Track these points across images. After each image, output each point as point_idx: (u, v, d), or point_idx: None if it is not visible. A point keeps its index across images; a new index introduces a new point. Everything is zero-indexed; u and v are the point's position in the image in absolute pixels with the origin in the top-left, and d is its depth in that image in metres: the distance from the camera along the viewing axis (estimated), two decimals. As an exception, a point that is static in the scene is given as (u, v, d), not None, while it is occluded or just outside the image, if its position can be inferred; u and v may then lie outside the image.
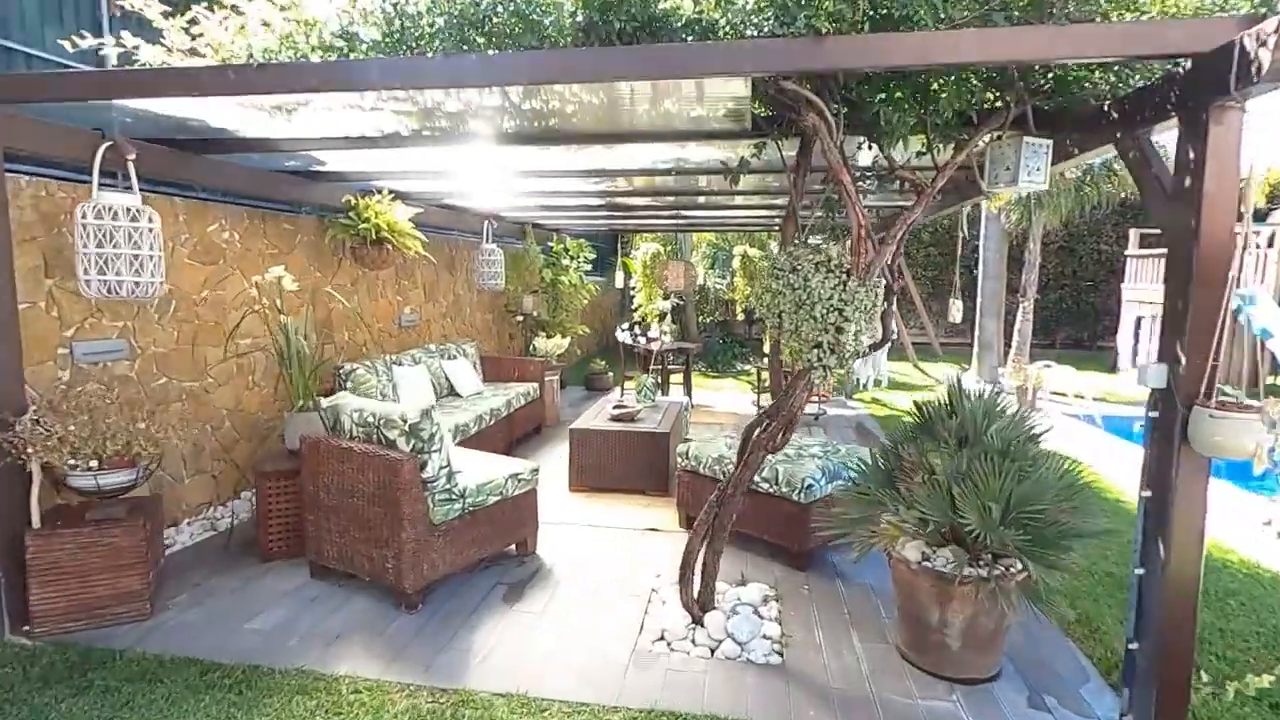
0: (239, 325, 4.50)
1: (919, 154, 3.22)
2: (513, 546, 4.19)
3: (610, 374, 10.59)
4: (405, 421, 3.42)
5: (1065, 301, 16.12)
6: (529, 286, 9.44)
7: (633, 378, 8.67)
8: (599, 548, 4.43)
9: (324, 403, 3.78)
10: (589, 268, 9.98)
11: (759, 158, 3.39)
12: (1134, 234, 13.01)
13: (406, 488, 3.36)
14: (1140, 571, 2.52)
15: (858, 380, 8.77)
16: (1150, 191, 2.60)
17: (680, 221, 8.85)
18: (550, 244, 9.75)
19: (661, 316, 10.62)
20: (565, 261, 9.50)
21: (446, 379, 6.50)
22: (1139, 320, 12.53)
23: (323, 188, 5.48)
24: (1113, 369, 13.41)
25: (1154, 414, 2.50)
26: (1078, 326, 16.18)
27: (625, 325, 7.04)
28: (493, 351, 9.36)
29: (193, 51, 3.13)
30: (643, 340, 6.52)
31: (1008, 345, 11.96)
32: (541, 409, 7.56)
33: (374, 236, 5.47)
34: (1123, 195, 11.89)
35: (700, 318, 14.13)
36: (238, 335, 4.86)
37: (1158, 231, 13.43)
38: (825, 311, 2.84)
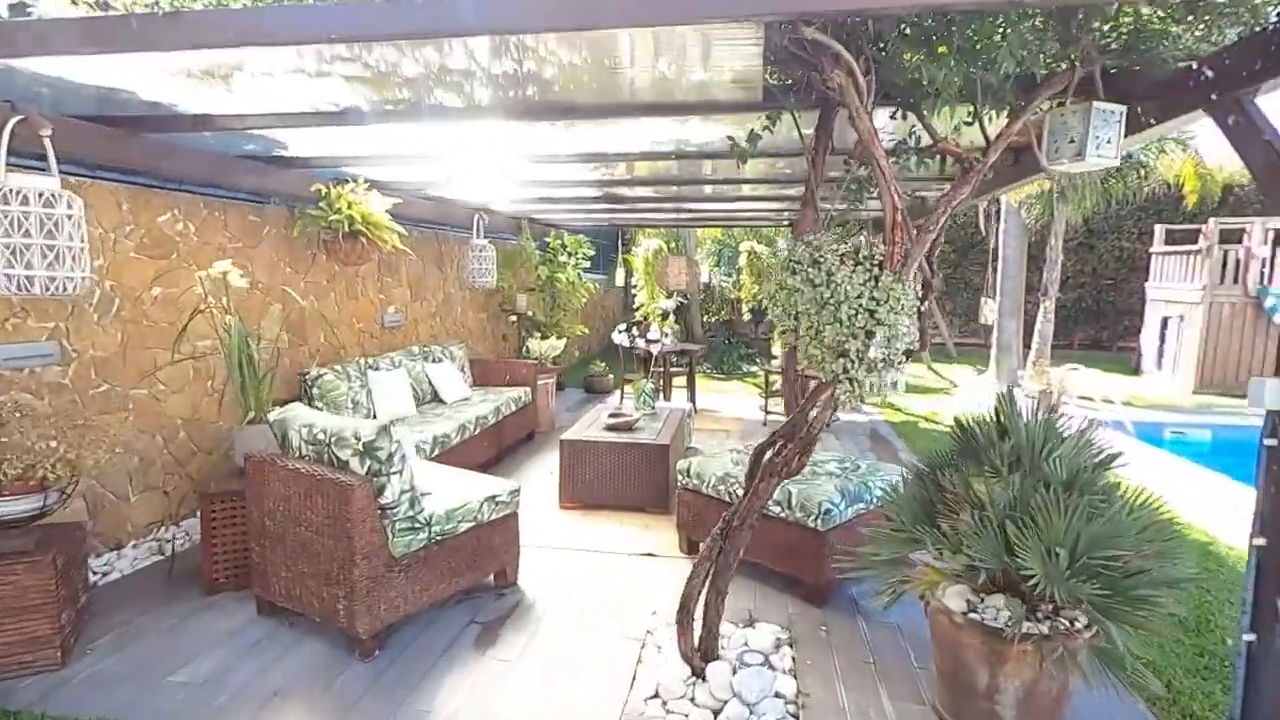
0: (187, 326, 4.03)
1: (964, 124, 2.72)
2: (490, 577, 3.71)
3: (610, 376, 10.11)
4: (359, 439, 2.94)
5: (1085, 300, 15.54)
6: (524, 285, 8.96)
7: (632, 381, 8.18)
8: (589, 575, 3.95)
9: (271, 415, 3.30)
10: (588, 265, 9.51)
11: (771, 130, 2.89)
12: (1160, 230, 12.44)
13: (360, 517, 2.88)
14: (1250, 638, 2.02)
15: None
16: (1263, 165, 2.10)
17: (683, 215, 8.35)
18: (547, 240, 9.27)
19: (664, 316, 10.13)
20: (562, 258, 9.02)
21: (430, 384, 6.02)
22: (1165, 321, 11.96)
23: (290, 176, 5.01)
24: (1136, 370, 12.86)
25: (1271, 441, 2.00)
26: (1097, 326, 15.60)
27: (622, 326, 6.53)
28: (486, 353, 8.88)
29: (104, 4, 2.65)
30: (641, 342, 6.03)
31: (1026, 346, 11.42)
32: (534, 414, 7.09)
33: (347, 229, 5.00)
34: (1148, 189, 11.36)
35: (705, 317, 13.63)
36: (194, 337, 4.39)
37: (1185, 228, 12.92)
38: (853, 312, 2.35)
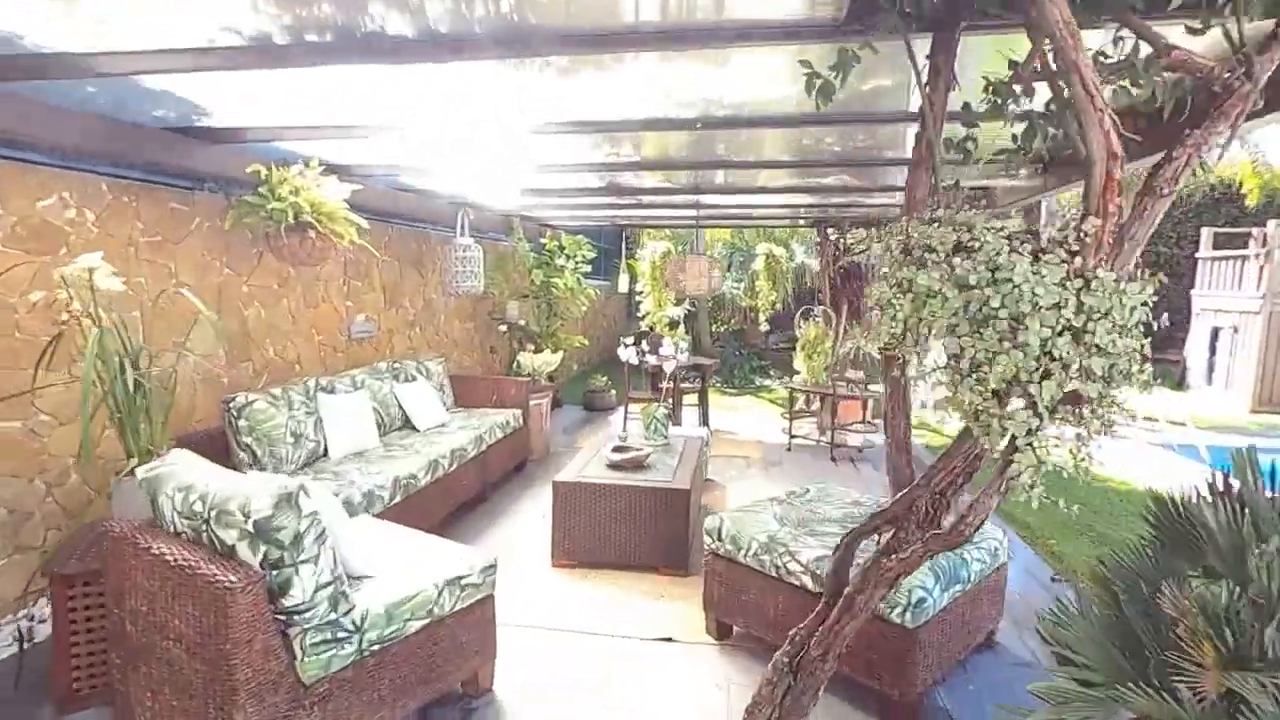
0: (56, 340, 3.05)
1: (1191, 30, 1.76)
2: (457, 684, 2.74)
3: (613, 391, 9.15)
4: (248, 515, 1.97)
5: None
6: (516, 291, 8.01)
7: (638, 400, 7.22)
8: (588, 671, 2.97)
9: (139, 472, 2.33)
10: (588, 269, 8.56)
11: (872, 47, 1.94)
12: (1206, 234, 11.52)
13: (245, 634, 1.91)
14: None
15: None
16: None
17: (700, 212, 7.41)
18: (542, 241, 8.33)
19: (673, 325, 9.19)
20: (560, 261, 8.06)
21: (400, 408, 5.06)
22: (1216, 332, 11.01)
23: (224, 154, 4.07)
24: (1180, 385, 11.90)
25: None
26: None
27: (629, 339, 5.57)
28: (473, 367, 7.92)
29: None
30: (652, 359, 5.06)
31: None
32: (526, 440, 6.12)
33: (292, 221, 4.05)
34: (1188, 190, 10.45)
35: (714, 326, 12.69)
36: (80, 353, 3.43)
37: (1234, 230, 12.00)
38: (1051, 332, 1.39)
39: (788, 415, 7.41)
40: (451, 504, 4.61)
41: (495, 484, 5.54)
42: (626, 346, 5.13)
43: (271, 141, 4.00)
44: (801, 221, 8.74)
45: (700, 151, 4.37)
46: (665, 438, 4.85)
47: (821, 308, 8.03)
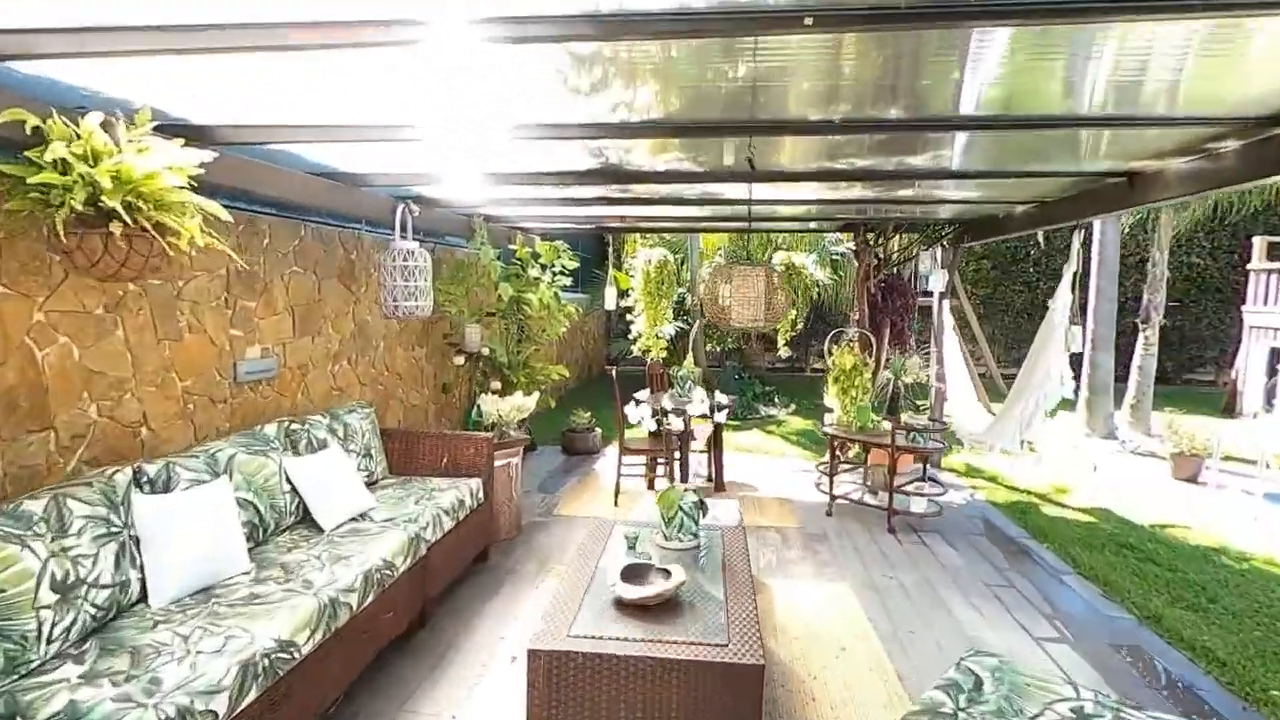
0: None
1: None
2: None
3: (597, 430, 7.52)
4: None
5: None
6: (480, 310, 6.36)
7: (636, 452, 5.61)
8: None
9: None
10: (568, 281, 6.94)
11: None
12: (1259, 243, 10.32)
13: None
14: None
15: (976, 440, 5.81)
16: None
17: (751, 206, 5.86)
18: (511, 248, 6.71)
19: (670, 349, 7.62)
20: (533, 272, 6.45)
21: (293, 496, 3.38)
22: (1276, 353, 9.78)
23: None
24: (1228, 410, 10.66)
25: None
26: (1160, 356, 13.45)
27: (642, 395, 3.96)
28: (424, 406, 6.23)
29: None
30: (678, 421, 3.42)
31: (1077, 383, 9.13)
32: (490, 518, 4.48)
33: (82, 207, 2.39)
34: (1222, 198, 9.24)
35: (710, 345, 11.15)
36: None
37: None
38: None
39: (824, 467, 5.88)
40: (366, 655, 2.95)
41: (443, 595, 3.88)
42: (637, 404, 3.53)
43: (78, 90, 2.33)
44: (820, 224, 7.25)
45: (740, 108, 2.79)
46: (695, 537, 3.26)
47: (856, 330, 6.53)
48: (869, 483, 5.67)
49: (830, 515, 5.50)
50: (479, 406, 4.93)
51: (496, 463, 4.64)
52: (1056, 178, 4.03)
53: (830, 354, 6.51)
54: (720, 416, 3.12)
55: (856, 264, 6.52)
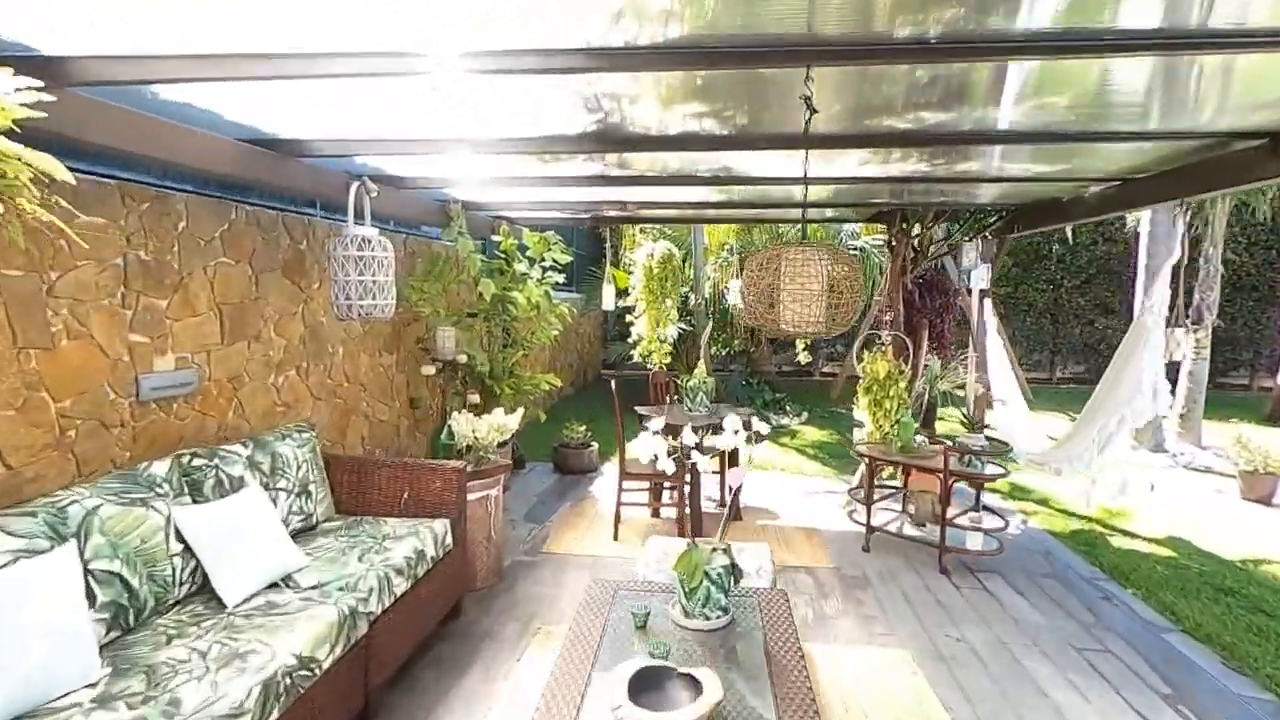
0: None
1: None
2: None
3: (594, 446, 6.70)
4: None
5: (1111, 326, 12.65)
6: (459, 310, 5.53)
7: (639, 478, 4.80)
8: None
9: None
10: (560, 278, 6.12)
11: None
12: (1308, 237, 9.55)
13: None
14: None
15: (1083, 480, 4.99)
16: None
17: (807, 189, 5.03)
18: (495, 238, 5.89)
19: (674, 353, 6.81)
20: (520, 267, 5.63)
21: (187, 558, 2.53)
22: (1331, 356, 9.00)
23: None
24: (1272, 419, 9.90)
25: None
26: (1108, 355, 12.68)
27: (655, 425, 3.14)
28: (394, 423, 5.39)
29: None
30: (703, 459, 2.62)
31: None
32: (463, 564, 3.64)
33: None
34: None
35: (715, 347, 10.33)
36: None
37: None
38: None
39: (857, 493, 5.07)
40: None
41: (397, 675, 3.04)
42: (652, 433, 2.70)
43: None
44: (844, 213, 6.44)
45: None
46: (725, 613, 2.44)
47: (889, 332, 5.72)
48: (911, 511, 4.86)
49: (868, 551, 4.68)
50: (450, 427, 4.09)
51: (472, 496, 3.81)
52: (1162, 140, 3.21)
53: (861, 360, 5.71)
54: (756, 449, 2.32)
55: (890, 258, 5.71)
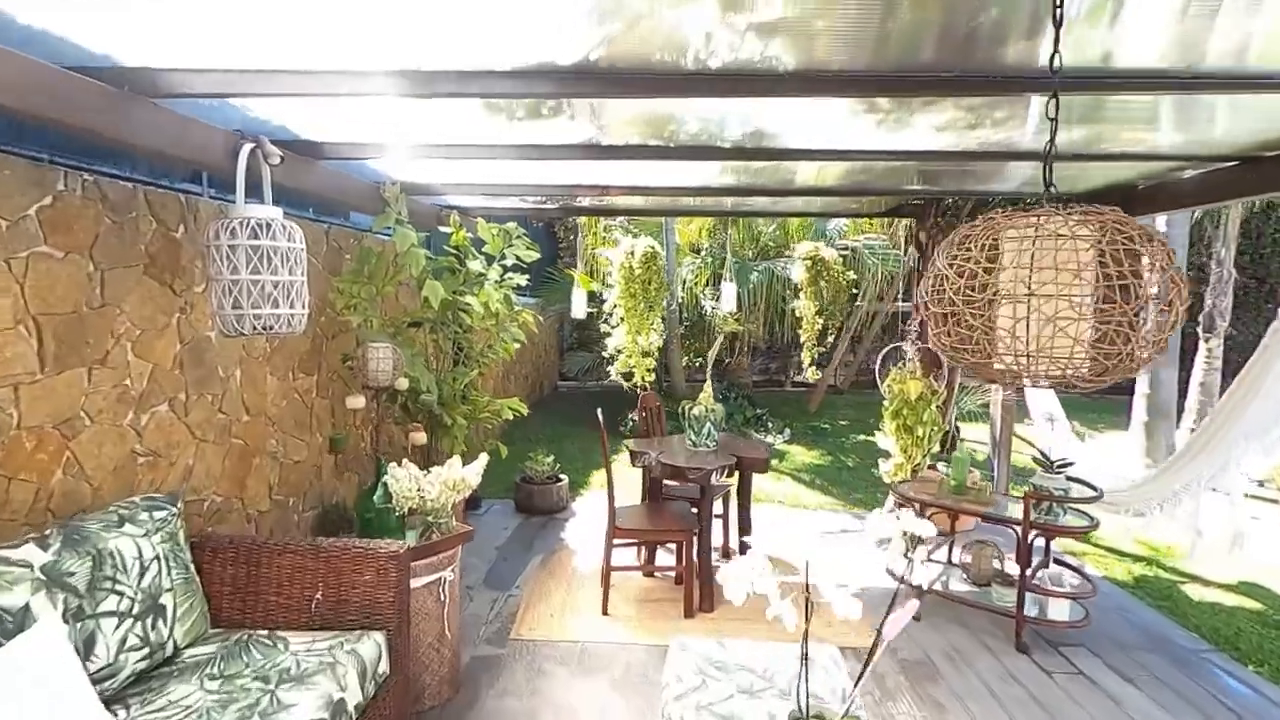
0: None
1: None
2: None
3: (563, 480, 5.63)
4: None
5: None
6: (398, 320, 4.39)
7: (633, 536, 3.79)
8: None
9: None
10: (523, 280, 5.01)
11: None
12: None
13: None
14: None
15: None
16: None
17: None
18: (445, 230, 4.78)
19: (656, 369, 5.81)
20: (475, 266, 4.54)
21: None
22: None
23: None
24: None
25: None
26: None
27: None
28: (309, 471, 4.20)
29: None
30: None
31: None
32: (401, 695, 2.53)
33: None
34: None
35: (688, 356, 9.40)
36: None
37: None
38: None
39: (903, 543, 4.15)
40: None
41: None
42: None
43: None
44: (861, 204, 5.56)
45: None
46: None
47: (915, 346, 4.86)
48: (964, 564, 3.97)
49: (918, 619, 3.78)
50: (384, 485, 2.95)
51: (418, 582, 2.71)
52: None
53: (884, 378, 4.83)
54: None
55: (915, 258, 4.85)
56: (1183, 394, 7.62)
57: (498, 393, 8.18)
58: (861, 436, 8.78)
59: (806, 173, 4.05)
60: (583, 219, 9.35)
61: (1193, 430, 7.55)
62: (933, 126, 2.85)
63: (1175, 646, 3.56)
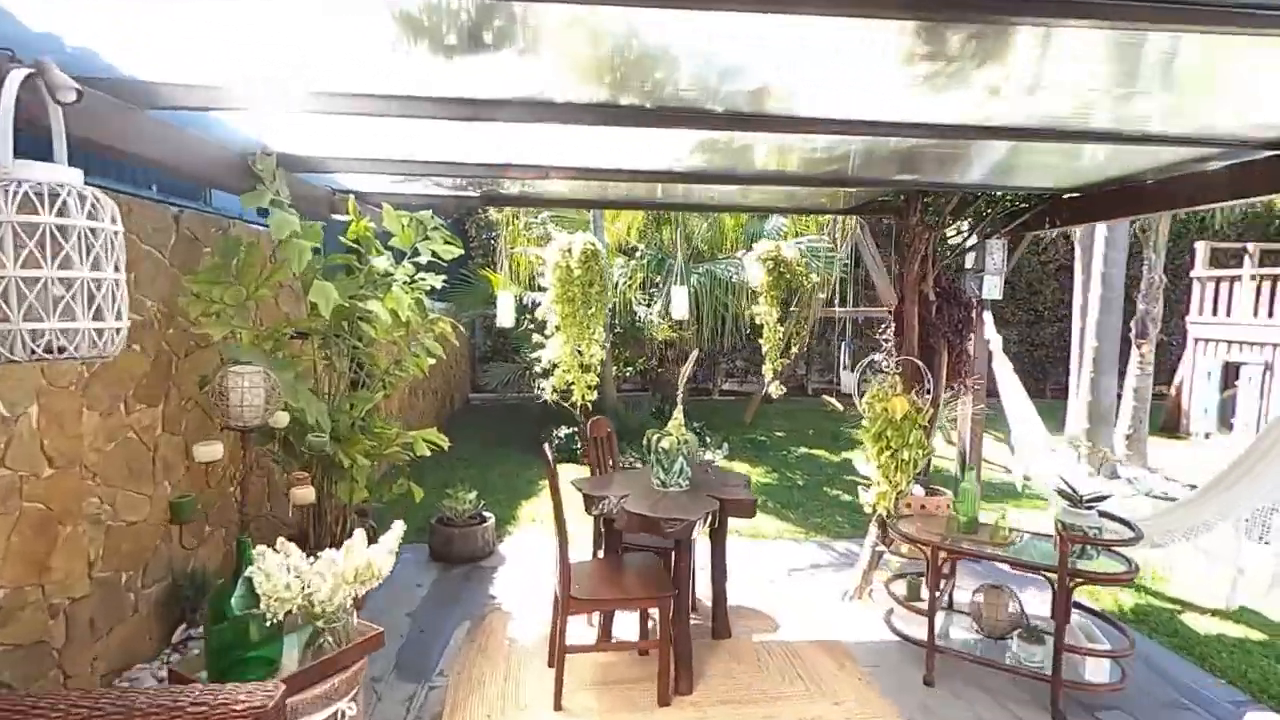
0: None
1: None
2: None
3: (488, 520, 4.75)
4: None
5: (1039, 336, 12.71)
6: (275, 331, 3.37)
7: (592, 606, 3.00)
8: None
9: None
10: (438, 282, 4.07)
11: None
12: (1202, 249, 9.61)
13: None
14: None
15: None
16: None
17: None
18: (340, 219, 3.83)
19: (585, 369, 5.02)
20: (380, 263, 3.61)
21: None
22: (1232, 369, 9.01)
23: None
24: (1166, 430, 9.88)
25: None
26: (1044, 370, 12.76)
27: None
28: (150, 533, 3.14)
29: None
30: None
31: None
32: None
33: None
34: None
35: (617, 366, 8.65)
36: None
37: (1241, 246, 9.81)
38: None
39: (873, 587, 3.58)
40: None
41: None
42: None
43: None
44: (831, 195, 5.01)
45: None
46: None
47: (893, 358, 4.31)
48: (976, 616, 3.41)
49: (931, 685, 3.19)
50: (248, 582, 2.00)
51: (303, 726, 1.81)
52: None
53: (862, 394, 4.27)
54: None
55: (904, 259, 4.31)
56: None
57: (404, 413, 7.13)
58: (803, 449, 8.33)
59: (774, 156, 3.40)
60: (500, 214, 8.44)
61: (1128, 437, 7.55)
62: (988, 87, 2.24)
63: (1213, 702, 3.14)
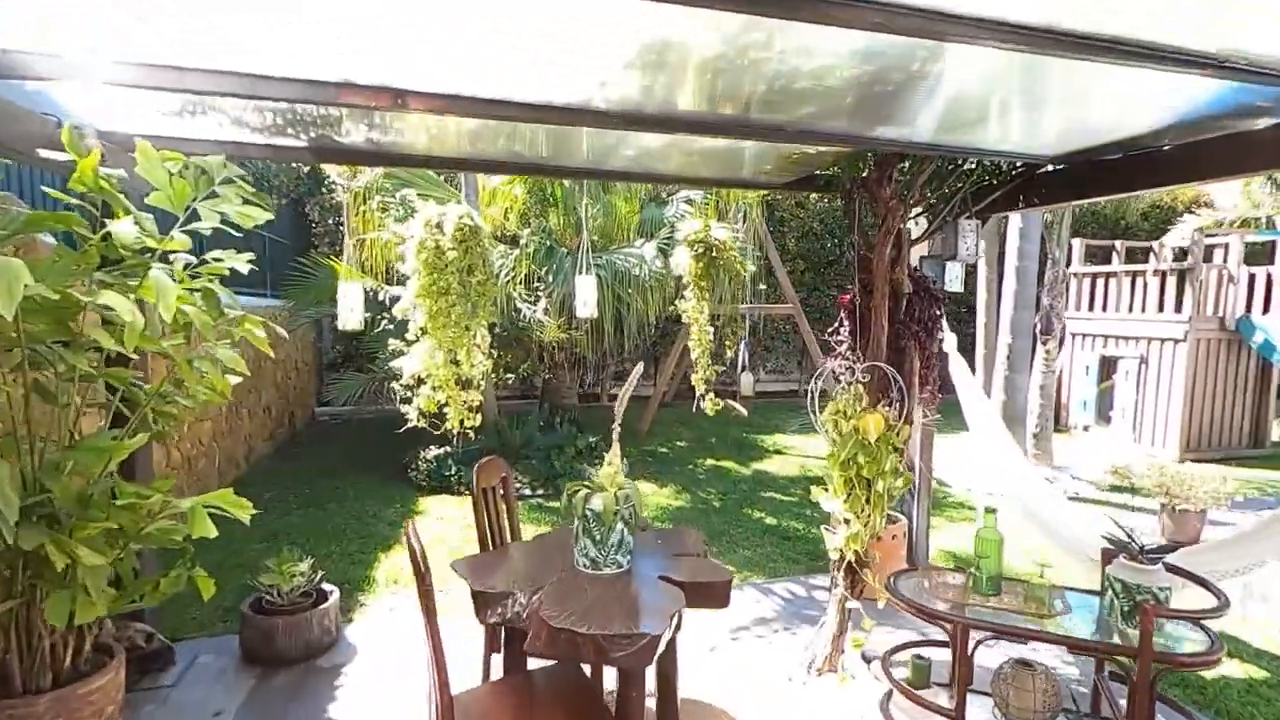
0: None
1: None
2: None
3: (331, 595, 3.44)
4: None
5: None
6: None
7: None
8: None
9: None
10: (243, 266, 2.73)
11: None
12: (1078, 245, 9.83)
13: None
14: None
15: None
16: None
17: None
18: (62, 158, 2.40)
19: (466, 387, 3.82)
20: (129, 232, 2.24)
21: None
22: (1110, 363, 9.23)
23: None
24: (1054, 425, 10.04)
25: None
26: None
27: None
28: None
29: None
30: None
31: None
32: None
33: None
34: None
35: (500, 373, 7.39)
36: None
37: (1109, 243, 10.21)
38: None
39: (900, 681, 2.72)
40: None
41: None
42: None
43: None
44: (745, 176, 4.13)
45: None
46: None
47: (854, 363, 3.48)
48: (1002, 703, 2.61)
49: (962, 810, 2.34)
50: None
51: None
52: None
53: (818, 411, 3.40)
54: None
55: (874, 244, 3.46)
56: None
57: (219, 439, 5.53)
58: (710, 461, 7.51)
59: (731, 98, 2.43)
60: (348, 192, 6.91)
61: (1035, 437, 7.36)
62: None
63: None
